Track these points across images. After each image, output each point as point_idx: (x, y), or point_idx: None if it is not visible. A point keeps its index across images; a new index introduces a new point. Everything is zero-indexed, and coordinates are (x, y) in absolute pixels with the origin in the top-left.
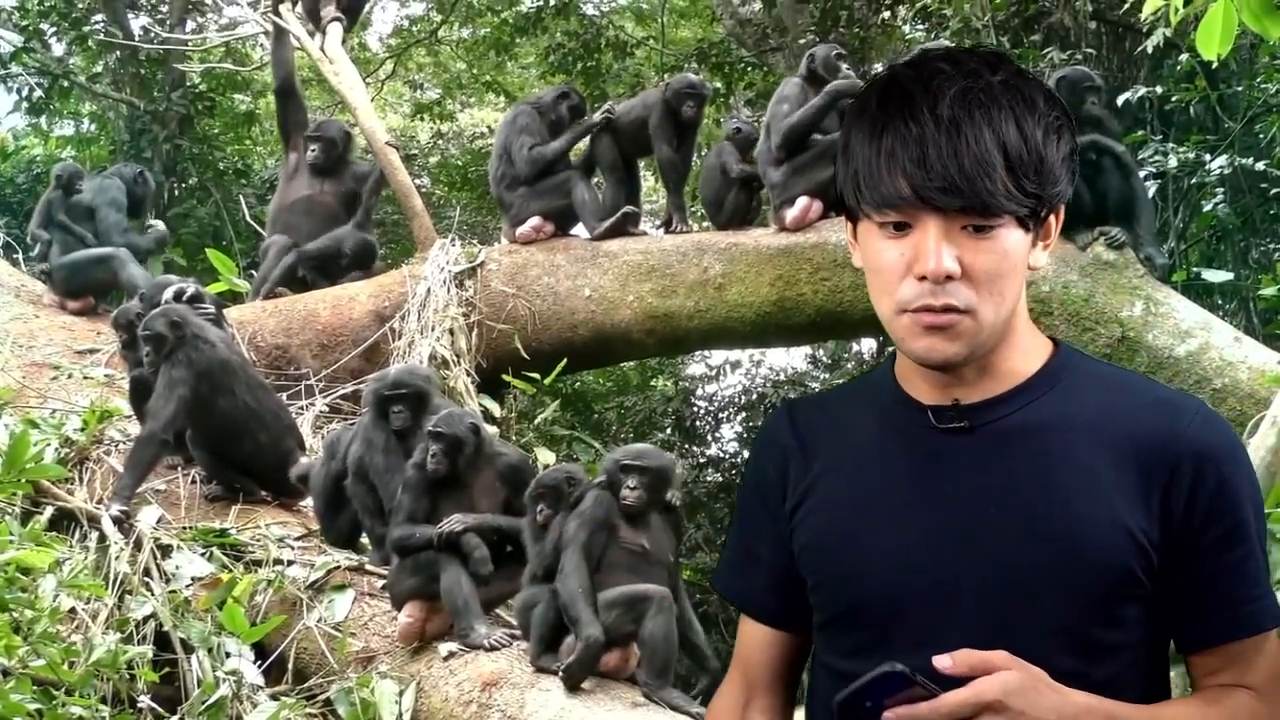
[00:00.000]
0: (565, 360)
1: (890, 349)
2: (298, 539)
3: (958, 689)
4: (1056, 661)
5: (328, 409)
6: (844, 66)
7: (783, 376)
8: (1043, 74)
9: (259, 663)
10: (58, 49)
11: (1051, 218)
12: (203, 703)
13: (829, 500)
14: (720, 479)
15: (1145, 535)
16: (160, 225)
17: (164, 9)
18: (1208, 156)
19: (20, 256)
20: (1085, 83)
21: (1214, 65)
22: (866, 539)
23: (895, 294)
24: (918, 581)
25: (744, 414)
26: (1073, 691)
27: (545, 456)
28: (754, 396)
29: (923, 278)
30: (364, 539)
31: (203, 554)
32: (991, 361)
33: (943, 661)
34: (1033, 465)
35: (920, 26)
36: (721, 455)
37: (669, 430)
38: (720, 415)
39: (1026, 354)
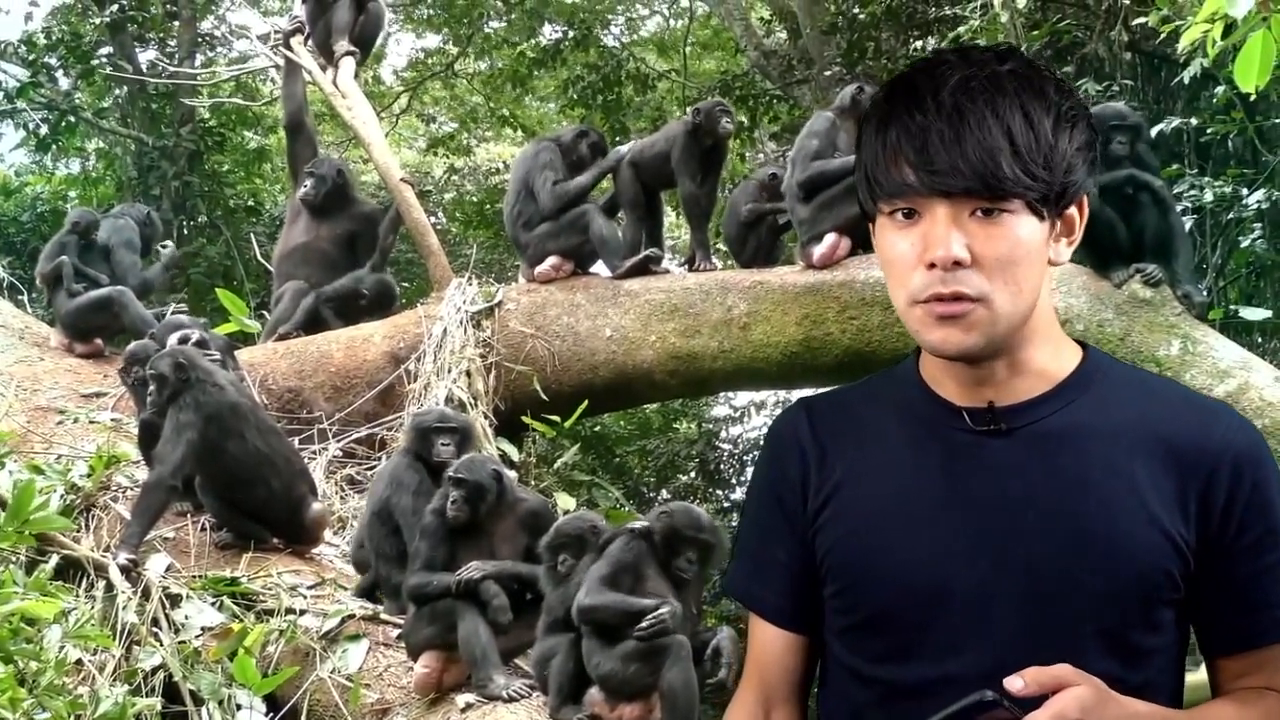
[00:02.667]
0: (586, 402)
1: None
2: (310, 587)
3: (1038, 709)
4: (1096, 666)
5: (341, 453)
6: None
7: None
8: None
9: (271, 715)
10: (64, 83)
11: (1074, 211)
12: None
13: (857, 502)
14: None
15: (1183, 538)
16: (171, 245)
17: (172, 43)
18: (1245, 190)
19: (25, 297)
20: (1113, 120)
21: (1252, 97)
22: (899, 541)
23: (908, 285)
24: (954, 585)
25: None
26: (1131, 700)
27: (565, 502)
28: None
29: (932, 265)
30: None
31: (213, 603)
32: (1021, 360)
33: (1015, 683)
34: (1071, 469)
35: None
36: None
37: (692, 474)
38: (745, 459)
39: (1056, 354)
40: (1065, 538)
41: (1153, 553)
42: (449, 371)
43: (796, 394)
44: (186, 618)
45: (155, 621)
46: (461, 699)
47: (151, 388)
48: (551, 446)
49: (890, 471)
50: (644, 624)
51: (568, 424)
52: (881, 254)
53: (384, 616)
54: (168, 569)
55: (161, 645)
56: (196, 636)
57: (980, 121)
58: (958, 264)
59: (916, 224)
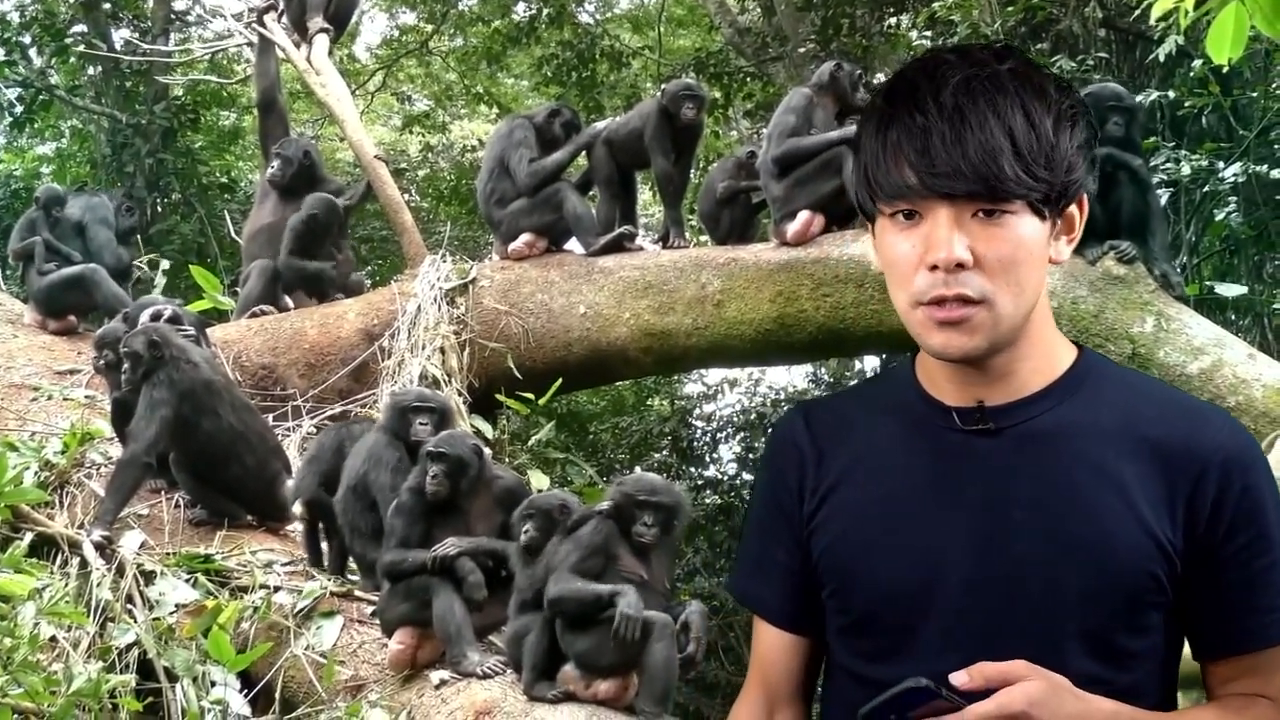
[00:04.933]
0: (560, 379)
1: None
2: (284, 564)
3: (982, 701)
4: (1081, 667)
5: (315, 430)
6: (864, 94)
7: (783, 395)
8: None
9: (245, 691)
10: (38, 61)
11: (1074, 209)
12: None
13: (849, 503)
14: (719, 501)
15: (1169, 541)
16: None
17: (146, 21)
18: (1221, 164)
19: None
20: (1110, 101)
21: (1226, 71)
22: (889, 542)
23: (910, 287)
24: (942, 584)
25: (743, 434)
26: (1096, 698)
27: (539, 479)
28: (753, 416)
29: (934, 267)
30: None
31: (187, 580)
32: (1015, 361)
33: (960, 678)
34: (1059, 469)
35: (927, 34)
36: (720, 476)
37: (666, 451)
38: (718, 436)
39: (1049, 356)
40: (1049, 538)
41: (1137, 554)
42: (423, 348)
43: (770, 371)
44: (161, 594)
45: (129, 598)
46: (436, 675)
47: (125, 365)
48: (525, 424)
49: (881, 473)
50: (617, 624)
51: (542, 401)
52: (882, 255)
53: (358, 593)
54: (142, 546)
55: (136, 622)
56: (171, 613)
57: (982, 122)
58: (960, 266)
59: (917, 225)
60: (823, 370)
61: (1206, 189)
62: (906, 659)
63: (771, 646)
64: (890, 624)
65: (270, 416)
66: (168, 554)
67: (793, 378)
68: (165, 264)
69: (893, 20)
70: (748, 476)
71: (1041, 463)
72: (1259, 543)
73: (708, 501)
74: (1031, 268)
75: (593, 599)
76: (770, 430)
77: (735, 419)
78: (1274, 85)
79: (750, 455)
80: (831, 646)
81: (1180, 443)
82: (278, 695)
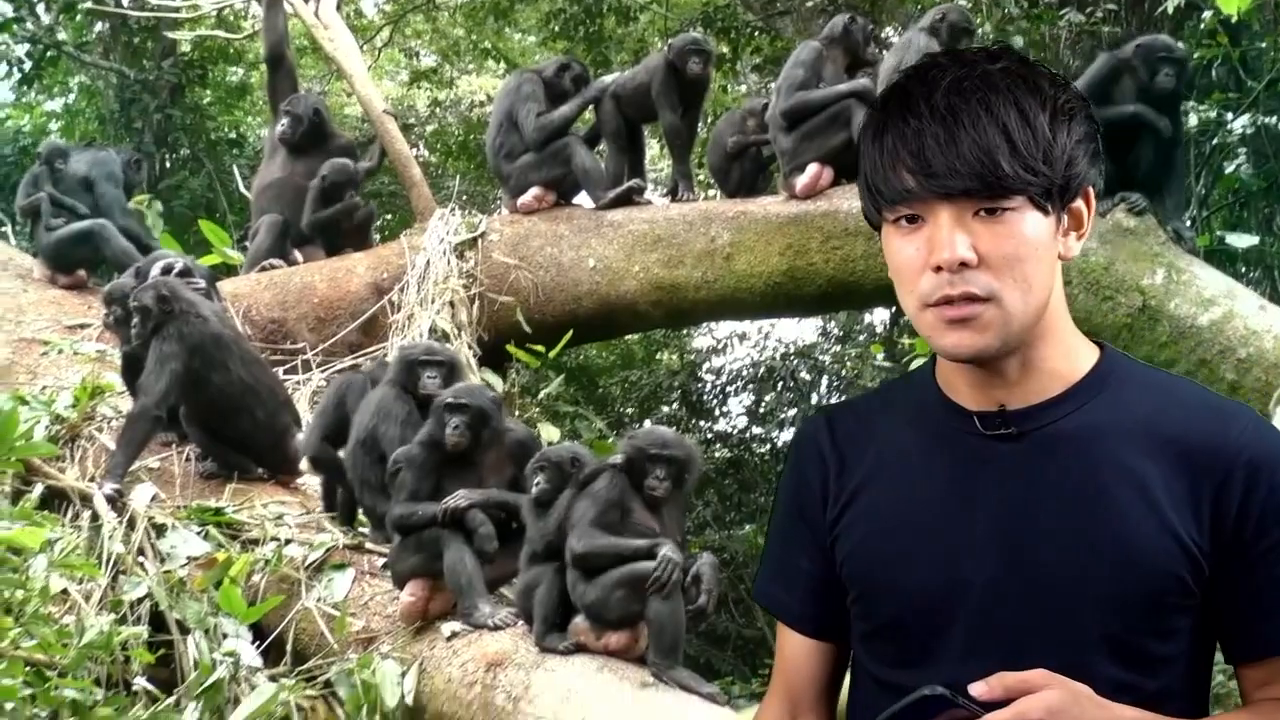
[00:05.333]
0: (569, 333)
1: (903, 319)
2: (295, 517)
3: (1001, 709)
4: (1107, 672)
5: (325, 383)
6: (874, 49)
7: (792, 349)
8: (1063, 40)
9: (257, 644)
10: (46, 18)
11: (1081, 205)
12: (199, 685)
13: (872, 509)
14: (729, 454)
15: (1196, 544)
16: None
17: None
18: (1230, 116)
19: (9, 230)
20: (1160, 53)
21: (1235, 22)
22: (912, 548)
23: (917, 290)
24: (966, 590)
25: (752, 387)
26: (1119, 706)
27: (549, 433)
28: (762, 370)
29: (939, 268)
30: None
31: (198, 533)
32: (1034, 361)
33: (979, 688)
34: (1082, 472)
35: None
36: (729, 430)
37: (675, 405)
38: (728, 389)
39: (1070, 355)
40: (1073, 542)
41: (1163, 558)
42: (432, 302)
43: (780, 324)
44: (172, 547)
45: (141, 551)
46: (447, 627)
47: (135, 319)
48: (535, 378)
49: (903, 478)
50: (656, 574)
51: (551, 355)
52: (889, 261)
53: (369, 546)
54: (153, 499)
55: (147, 575)
56: (182, 566)
57: (975, 121)
58: (964, 265)
59: (920, 229)
60: (832, 323)
61: (1215, 141)
62: (931, 665)
63: (795, 652)
64: (915, 630)
65: (280, 370)
66: (179, 507)
67: (802, 331)
68: (157, 205)
69: None
70: (757, 430)
71: (1065, 466)
72: None
73: (717, 455)
74: (1038, 263)
75: (631, 553)
76: (793, 435)
77: (745, 372)
78: None
79: (759, 409)
80: (856, 652)
81: (1205, 443)
82: (289, 647)
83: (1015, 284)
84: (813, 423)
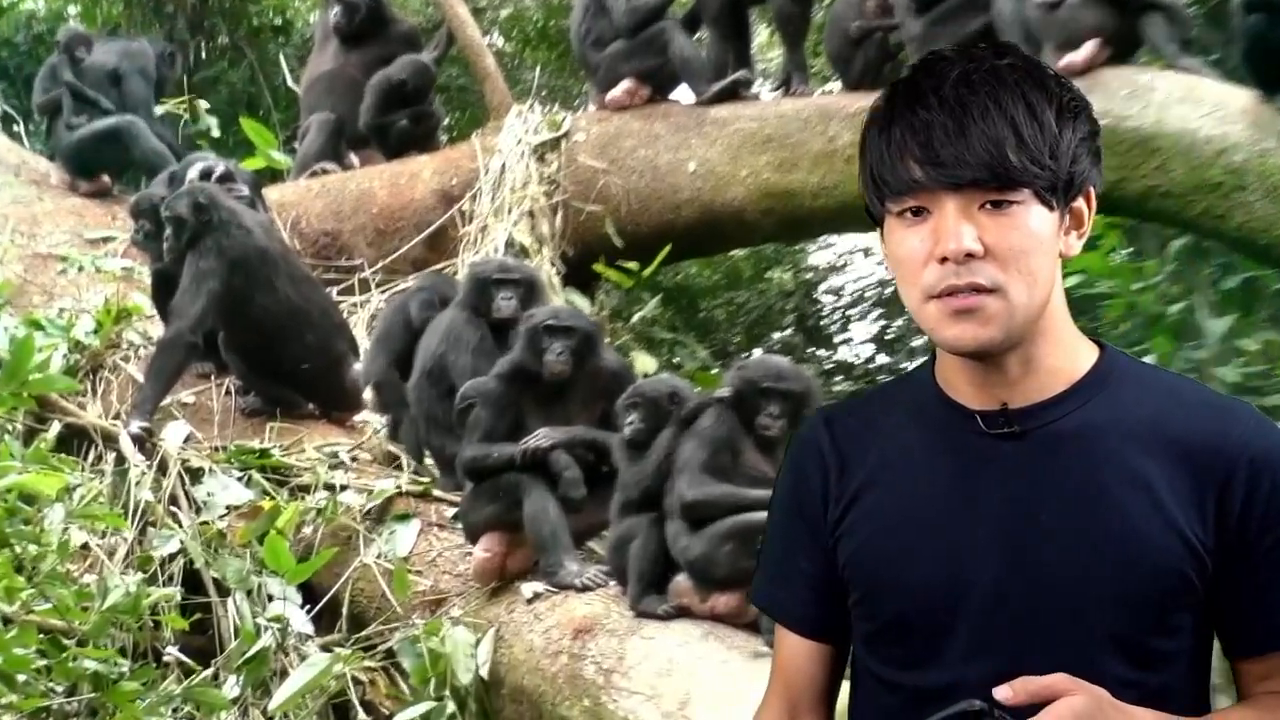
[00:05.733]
0: (667, 247)
1: None
2: (352, 460)
3: (1031, 718)
4: (1113, 670)
5: (385, 306)
6: None
7: None
8: None
9: (308, 607)
10: None
11: (1083, 204)
12: (241, 654)
13: (875, 510)
14: (851, 387)
15: (1200, 541)
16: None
17: None
18: None
19: (21, 129)
20: None
21: None
22: (916, 548)
23: (920, 281)
24: (971, 590)
25: (879, 311)
26: (1135, 709)
27: (644, 363)
28: (889, 290)
29: (945, 259)
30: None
31: (239, 478)
32: (1034, 358)
33: (1004, 692)
34: (1086, 471)
35: None
36: (853, 360)
37: (789, 330)
38: (850, 313)
39: (1070, 353)
40: (1078, 541)
41: (1168, 555)
42: (509, 212)
43: None
44: (209, 495)
45: (173, 500)
46: (528, 588)
47: (167, 231)
48: (627, 299)
49: (906, 478)
50: None
51: (646, 273)
52: (891, 255)
53: (437, 494)
54: (187, 439)
55: (180, 527)
56: (221, 517)
57: (984, 113)
58: (970, 256)
59: (925, 221)
60: None
61: None
62: (936, 665)
63: (794, 654)
64: (919, 629)
65: (334, 290)
66: (216, 448)
67: None
68: (202, 104)
69: None
70: (884, 359)
71: (1068, 465)
72: None
73: (838, 389)
74: (1042, 258)
75: (751, 503)
76: (792, 437)
77: (870, 293)
78: None
79: (887, 335)
80: (858, 653)
81: (1207, 441)
82: (344, 611)
83: (1020, 276)
84: (811, 423)
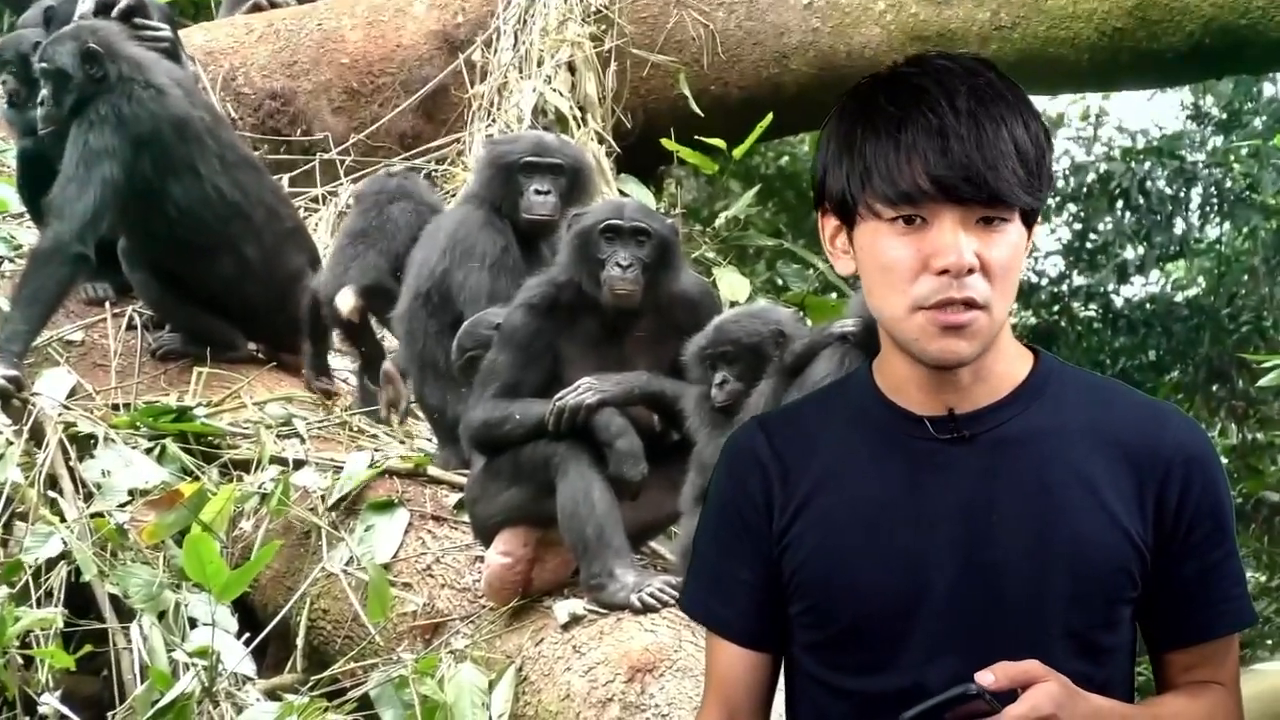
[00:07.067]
0: (768, 117)
1: None
2: (312, 422)
3: (1014, 703)
4: (1069, 665)
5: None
6: None
7: (1141, 142)
8: None
9: (247, 636)
10: None
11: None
12: (150, 704)
13: (824, 516)
14: (1034, 320)
15: (1141, 538)
16: None
17: None
18: None
19: None
20: None
21: None
22: (870, 552)
23: (909, 291)
24: (925, 594)
25: (1073, 206)
26: (1093, 695)
27: (733, 286)
28: (1090, 177)
29: (942, 272)
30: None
31: (148, 450)
32: (985, 366)
33: (986, 678)
34: (1034, 473)
35: None
36: (1036, 279)
37: None
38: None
39: (1012, 360)
40: (1030, 542)
41: (1115, 553)
42: (539, 65)
43: (1118, 100)
44: (104, 474)
45: (52, 481)
46: (563, 608)
47: (43, 93)
48: (710, 192)
49: (855, 485)
50: None
51: (738, 153)
52: (870, 260)
53: (434, 471)
54: (72, 394)
55: (63, 521)
56: (121, 506)
57: (996, 130)
58: (969, 270)
59: (919, 230)
60: (1209, 99)
61: None
62: (894, 669)
63: (731, 665)
64: (876, 635)
65: (285, 178)
66: (115, 406)
67: (1157, 113)
68: None
69: None
70: (1080, 281)
71: (1016, 468)
72: (1216, 535)
73: (1017, 320)
74: (1017, 275)
75: None
76: (725, 444)
77: (1061, 182)
78: None
79: (1085, 243)
80: (800, 660)
81: (1145, 443)
82: (300, 641)
83: (1003, 294)
84: (746, 430)
